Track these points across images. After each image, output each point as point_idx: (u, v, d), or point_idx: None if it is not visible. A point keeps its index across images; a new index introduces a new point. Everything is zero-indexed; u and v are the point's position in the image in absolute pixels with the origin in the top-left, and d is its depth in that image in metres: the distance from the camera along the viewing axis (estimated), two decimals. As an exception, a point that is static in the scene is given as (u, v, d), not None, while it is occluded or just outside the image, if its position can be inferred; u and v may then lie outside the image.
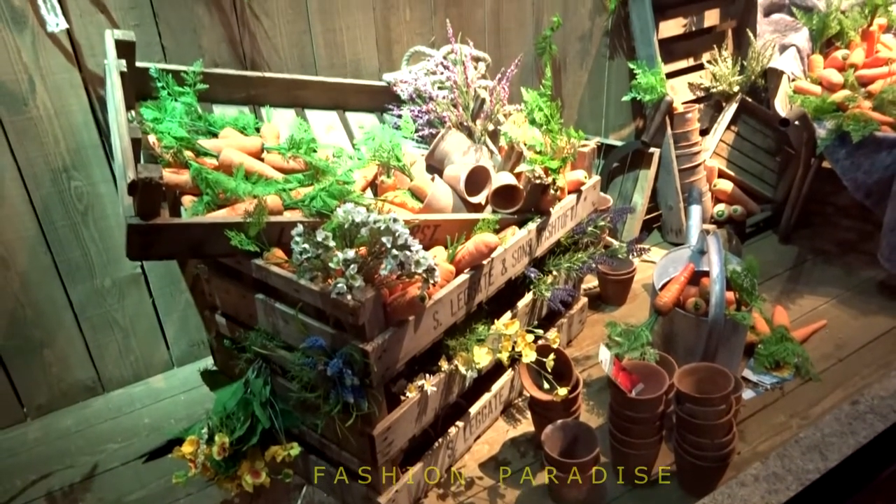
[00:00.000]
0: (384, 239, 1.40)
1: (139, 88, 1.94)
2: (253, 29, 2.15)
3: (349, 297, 1.41)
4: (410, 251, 1.42)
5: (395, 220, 1.47)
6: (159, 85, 1.92)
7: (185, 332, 2.42)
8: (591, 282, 2.74)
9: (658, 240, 3.16)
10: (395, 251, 1.40)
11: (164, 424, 2.22)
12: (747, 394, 2.20)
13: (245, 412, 1.72)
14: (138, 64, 1.90)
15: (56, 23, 1.78)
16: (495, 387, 2.08)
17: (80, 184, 2.06)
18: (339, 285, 1.39)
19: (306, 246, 1.40)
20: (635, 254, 2.30)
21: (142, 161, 1.82)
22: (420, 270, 1.46)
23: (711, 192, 3.08)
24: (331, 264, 1.40)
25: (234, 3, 2.09)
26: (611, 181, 3.10)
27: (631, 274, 2.65)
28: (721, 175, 3.12)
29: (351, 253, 1.40)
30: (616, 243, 2.92)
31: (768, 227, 3.17)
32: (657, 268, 2.30)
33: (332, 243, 1.40)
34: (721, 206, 3.04)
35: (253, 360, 1.80)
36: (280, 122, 2.13)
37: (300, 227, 1.44)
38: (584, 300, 2.51)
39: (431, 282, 1.49)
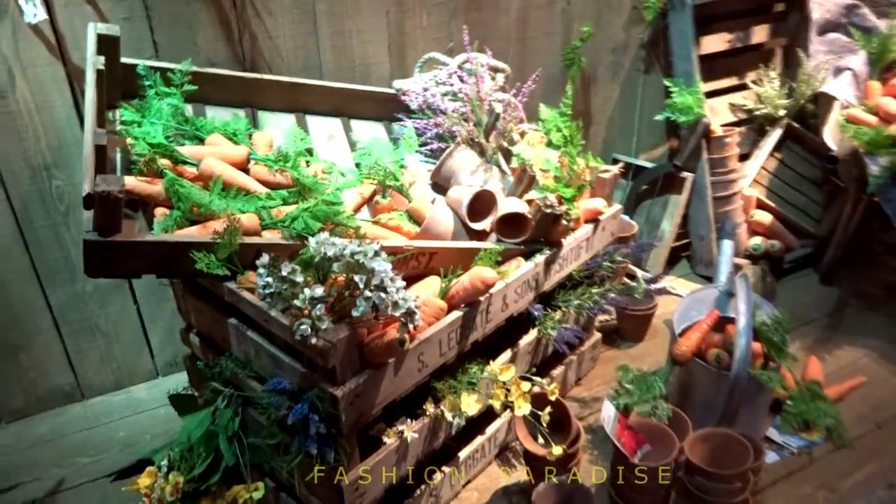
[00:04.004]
0: (357, 278, 1.24)
1: (127, 86, 1.81)
2: (254, 28, 2.01)
3: (313, 339, 1.25)
4: (386, 293, 1.25)
5: (375, 254, 1.30)
6: (146, 83, 1.79)
7: (171, 342, 2.29)
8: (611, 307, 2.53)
9: (686, 270, 2.94)
10: (367, 293, 1.23)
11: (138, 440, 2.10)
12: (770, 457, 1.98)
13: (207, 447, 1.57)
14: (126, 60, 1.77)
15: (34, 13, 1.66)
16: (490, 429, 1.91)
17: (62, 183, 1.94)
18: (303, 327, 1.23)
19: (270, 280, 1.24)
20: (655, 293, 2.10)
21: (118, 166, 1.71)
22: (397, 314, 1.29)
23: (748, 223, 2.84)
24: (296, 302, 1.24)
25: (234, -1, 1.96)
26: (638, 204, 2.88)
27: (651, 310, 2.44)
28: (759, 205, 2.88)
29: (319, 290, 1.24)
30: (639, 273, 2.72)
31: (808, 265, 2.92)
32: (678, 309, 2.09)
33: (298, 278, 1.24)
34: (757, 240, 2.81)
35: (224, 388, 1.66)
36: (278, 128, 1.99)
37: (265, 258, 1.28)
38: (597, 336, 2.31)
39: (411, 325, 1.32)
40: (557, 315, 1.93)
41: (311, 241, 1.29)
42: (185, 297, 1.74)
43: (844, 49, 2.94)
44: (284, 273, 1.23)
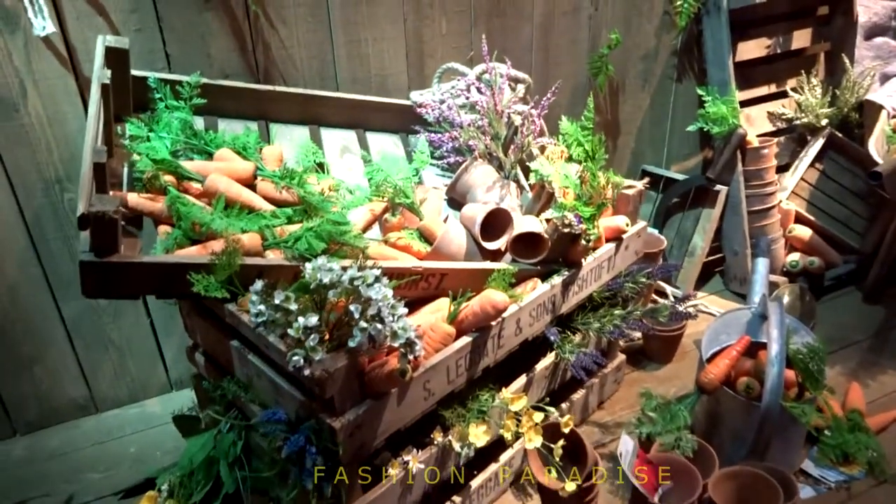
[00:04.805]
0: (352, 307, 1.17)
1: (138, 99, 1.78)
2: (267, 38, 1.96)
3: (307, 371, 1.19)
4: (383, 323, 1.18)
5: (375, 280, 1.24)
6: (157, 96, 1.76)
7: (185, 356, 2.26)
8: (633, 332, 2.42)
9: (719, 287, 2.81)
10: (363, 323, 1.17)
11: (149, 456, 2.08)
12: (805, 491, 1.85)
13: (207, 474, 1.52)
14: (136, 73, 1.74)
15: (43, 26, 1.64)
16: (504, 456, 1.82)
17: (74, 196, 1.92)
18: (296, 357, 1.17)
19: (262, 308, 1.18)
20: (684, 315, 1.98)
21: (125, 181, 1.68)
22: (396, 344, 1.22)
23: (786, 238, 2.70)
24: (290, 331, 1.18)
25: (248, 9, 1.91)
26: (668, 218, 2.76)
27: (679, 331, 2.32)
28: (798, 219, 2.74)
29: (313, 319, 1.18)
30: (669, 290, 2.61)
31: (852, 283, 2.76)
32: (707, 332, 1.98)
33: (292, 306, 1.18)
34: (795, 256, 2.67)
35: (225, 412, 1.61)
36: (291, 141, 1.94)
37: (258, 285, 1.22)
38: (621, 358, 2.21)
39: (411, 356, 1.25)
40: (577, 338, 1.84)
41: (308, 266, 1.23)
42: (190, 316, 1.70)
43: (893, 54, 2.78)
44: (277, 301, 1.17)
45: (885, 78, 2.68)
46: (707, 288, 2.81)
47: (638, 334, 2.34)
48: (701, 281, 2.79)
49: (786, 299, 2.50)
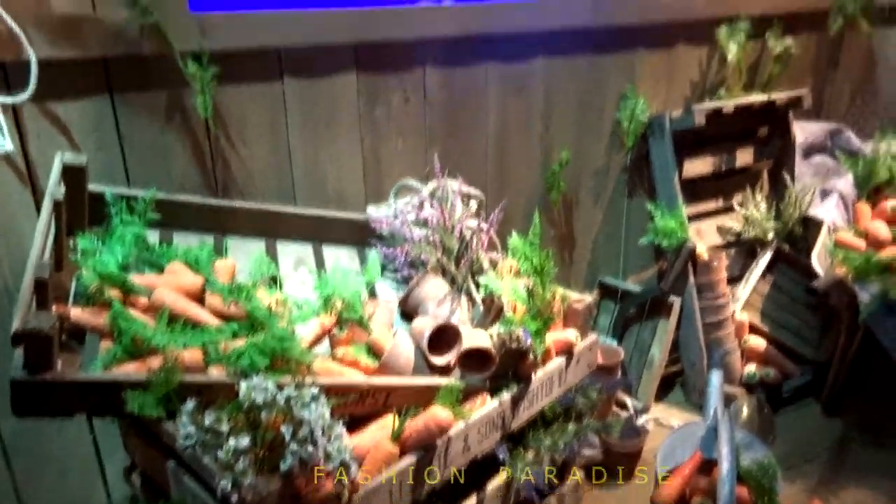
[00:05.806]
0: (284, 429, 1.15)
1: (95, 214, 1.81)
2: (227, 156, 2.03)
3: (234, 497, 1.15)
4: (316, 445, 1.16)
5: (311, 400, 1.23)
6: (113, 211, 1.79)
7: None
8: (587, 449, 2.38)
9: (680, 398, 2.80)
10: (294, 445, 1.15)
11: (80, 587, 1.95)
12: None
13: None
14: (93, 188, 1.79)
15: (2, 144, 1.68)
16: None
17: (23, 309, 1.90)
18: (223, 482, 1.13)
19: (192, 429, 1.16)
20: (640, 430, 1.97)
21: (71, 295, 1.67)
22: (330, 467, 1.19)
23: (742, 349, 2.73)
24: (220, 454, 1.15)
25: (208, 129, 1.98)
26: (627, 329, 2.79)
27: (639, 447, 2.28)
28: (753, 330, 2.78)
29: (245, 441, 1.16)
30: (629, 402, 2.60)
31: (810, 393, 2.77)
32: (662, 447, 1.96)
33: (223, 428, 1.16)
34: (752, 367, 2.69)
35: (159, 539, 1.53)
36: (246, 255, 1.96)
37: (189, 405, 1.20)
38: (579, 475, 2.15)
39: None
40: (529, 456, 1.80)
41: (242, 385, 1.22)
42: (128, 435, 1.65)
43: (831, 172, 2.94)
44: (207, 422, 1.15)
45: (825, 193, 2.82)
46: (669, 399, 2.80)
47: (592, 451, 2.30)
48: (663, 392, 2.79)
49: (745, 412, 2.50)
